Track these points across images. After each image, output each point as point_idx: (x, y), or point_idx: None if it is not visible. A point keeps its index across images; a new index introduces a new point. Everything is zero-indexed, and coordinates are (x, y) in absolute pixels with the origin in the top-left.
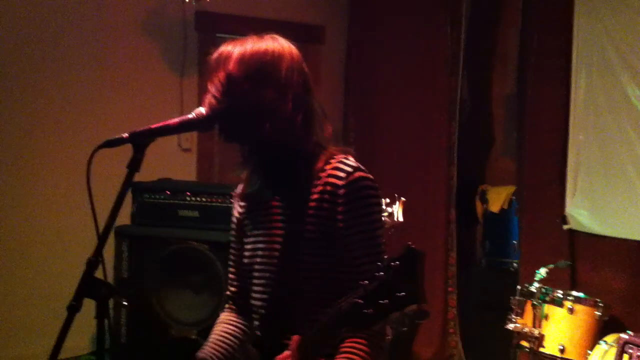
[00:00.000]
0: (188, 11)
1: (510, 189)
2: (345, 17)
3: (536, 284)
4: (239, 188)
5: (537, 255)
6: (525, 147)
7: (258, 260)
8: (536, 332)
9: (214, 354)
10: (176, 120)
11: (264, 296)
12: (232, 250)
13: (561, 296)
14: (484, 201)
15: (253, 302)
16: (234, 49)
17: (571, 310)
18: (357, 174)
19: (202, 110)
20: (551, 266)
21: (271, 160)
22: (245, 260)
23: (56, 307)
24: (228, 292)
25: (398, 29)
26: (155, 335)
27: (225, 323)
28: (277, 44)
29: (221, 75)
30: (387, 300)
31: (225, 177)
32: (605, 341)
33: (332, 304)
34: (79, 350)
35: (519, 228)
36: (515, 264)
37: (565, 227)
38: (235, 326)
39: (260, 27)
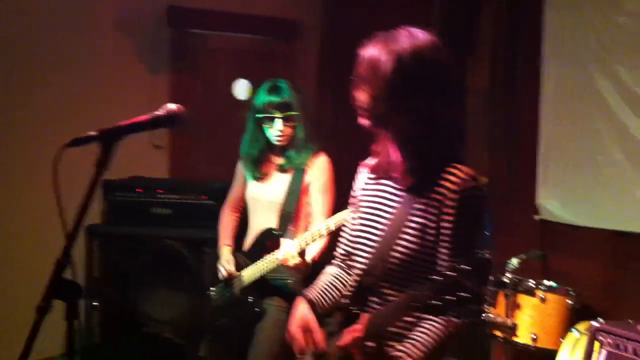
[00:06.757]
0: (160, 6)
1: (483, 180)
2: (320, 10)
3: (508, 274)
4: (370, 160)
5: (508, 245)
6: (496, 138)
7: (364, 234)
8: (509, 322)
9: (320, 298)
10: (146, 117)
11: (362, 267)
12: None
13: (533, 285)
14: None
15: (354, 270)
16: (390, 51)
17: (543, 300)
18: (470, 183)
19: (172, 106)
20: (523, 256)
21: (410, 153)
22: (355, 229)
23: (27, 308)
24: (337, 253)
25: (375, 22)
26: (129, 334)
27: (333, 275)
28: (429, 40)
29: (378, 79)
30: (453, 297)
31: (197, 175)
32: (577, 329)
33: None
34: (52, 351)
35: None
36: (488, 255)
37: (537, 217)
38: (340, 281)
39: (234, 22)
